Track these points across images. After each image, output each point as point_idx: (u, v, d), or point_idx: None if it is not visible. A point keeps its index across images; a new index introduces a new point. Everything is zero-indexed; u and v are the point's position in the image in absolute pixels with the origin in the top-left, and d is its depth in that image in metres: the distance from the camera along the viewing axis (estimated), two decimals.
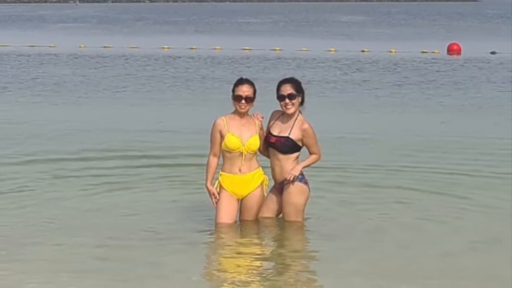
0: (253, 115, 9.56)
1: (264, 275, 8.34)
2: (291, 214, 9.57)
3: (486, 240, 9.34)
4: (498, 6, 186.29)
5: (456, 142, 15.43)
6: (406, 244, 9.22)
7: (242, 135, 9.42)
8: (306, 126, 9.49)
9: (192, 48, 43.33)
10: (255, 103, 9.51)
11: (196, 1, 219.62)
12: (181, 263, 8.53)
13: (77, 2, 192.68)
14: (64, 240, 9.24)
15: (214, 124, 9.51)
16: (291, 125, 9.49)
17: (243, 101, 9.42)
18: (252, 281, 8.16)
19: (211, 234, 9.47)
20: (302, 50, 42.15)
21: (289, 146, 9.47)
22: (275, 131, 9.49)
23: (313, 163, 9.66)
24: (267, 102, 9.93)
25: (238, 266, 8.61)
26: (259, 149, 9.52)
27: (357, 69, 31.31)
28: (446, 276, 8.12)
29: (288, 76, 9.94)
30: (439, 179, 12.20)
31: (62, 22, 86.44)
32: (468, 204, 10.82)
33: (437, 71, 30.39)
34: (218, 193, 9.52)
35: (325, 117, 16.23)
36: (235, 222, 9.58)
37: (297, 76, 10.48)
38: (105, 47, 44.71)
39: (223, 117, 9.53)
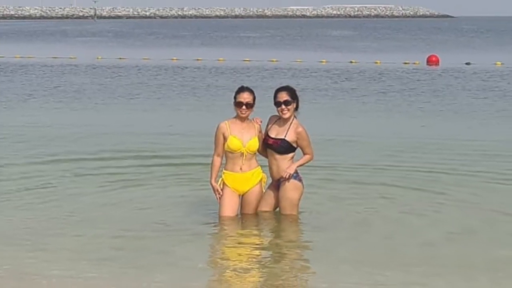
0: (253, 119, 9.54)
1: (263, 262, 8.31)
2: (287, 208, 9.54)
3: (461, 231, 9.31)
4: (472, 22, 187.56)
5: (435, 143, 15.40)
6: (390, 235, 9.18)
7: (243, 138, 9.39)
8: (300, 129, 9.46)
9: (198, 59, 43.37)
10: (254, 108, 9.49)
11: (202, 17, 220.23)
12: (188, 252, 8.49)
13: (95, 18, 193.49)
14: (84, 232, 9.20)
15: (217, 128, 9.47)
16: (287, 128, 9.45)
17: (244, 107, 9.39)
18: (252, 268, 8.13)
19: (215, 226, 9.44)
20: (297, 61, 42.22)
21: (285, 147, 9.44)
22: (272, 134, 9.47)
23: (306, 162, 9.64)
24: (265, 107, 9.92)
25: (239, 254, 8.57)
26: (258, 150, 9.50)
27: (346, 78, 31.31)
28: (425, 264, 8.07)
29: (284, 84, 9.91)
30: (419, 176, 12.16)
31: (81, 36, 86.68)
32: (445, 199, 10.78)
33: (418, 80, 30.40)
34: (222, 189, 9.50)
35: (317, 121, 16.19)
36: (237, 215, 9.55)
37: (292, 84, 10.44)
38: (120, 58, 44.78)
39: (226, 121, 9.50)
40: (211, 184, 9.53)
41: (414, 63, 39.68)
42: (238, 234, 9.14)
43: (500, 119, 19.51)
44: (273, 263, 8.26)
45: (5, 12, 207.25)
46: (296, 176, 9.50)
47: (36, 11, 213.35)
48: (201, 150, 13.09)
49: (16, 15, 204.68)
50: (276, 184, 9.58)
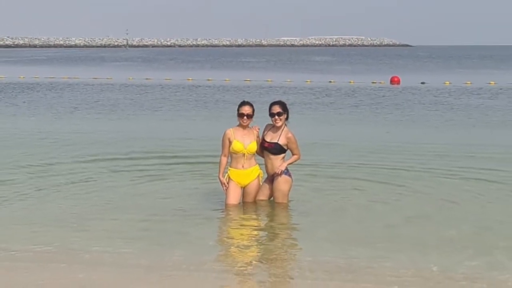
0: (252, 127, 9.55)
1: (260, 240, 8.32)
2: (279, 198, 9.56)
3: (417, 215, 9.31)
4: (426, 50, 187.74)
5: (397, 146, 15.43)
6: (360, 219, 9.17)
7: (244, 142, 9.41)
8: (290, 135, 9.49)
9: (208, 80, 43.38)
10: (253, 118, 9.52)
11: (212, 46, 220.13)
12: (201, 232, 8.49)
13: (127, 47, 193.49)
14: (118, 216, 9.21)
15: (224, 134, 9.49)
16: (279, 134, 9.47)
17: (245, 118, 9.41)
18: (251, 245, 8.14)
19: (222, 212, 9.43)
20: (287, 81, 42.25)
21: (278, 149, 9.46)
22: (267, 138, 9.48)
23: (295, 161, 9.67)
24: (262, 117, 9.91)
25: (241, 234, 8.57)
26: (256, 151, 9.52)
27: (326, 95, 31.32)
28: (388, 241, 8.07)
29: (277, 99, 9.95)
30: (384, 172, 12.17)
31: (116, 61, 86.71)
32: (404, 190, 10.79)
33: (383, 96, 30.42)
34: (227, 183, 9.52)
35: (304, 129, 16.19)
36: (239, 203, 9.57)
37: (283, 99, 10.49)
38: (147, 79, 44.80)
39: (231, 129, 9.51)
40: (219, 178, 9.56)
41: (380, 83, 39.71)
42: (240, 218, 9.14)
43: (448, 127, 19.52)
44: (268, 241, 8.26)
45: (56, 42, 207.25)
46: (286, 172, 9.53)
47: (80, 41, 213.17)
48: (211, 151, 13.09)
49: (65, 44, 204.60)
50: (271, 178, 9.60)
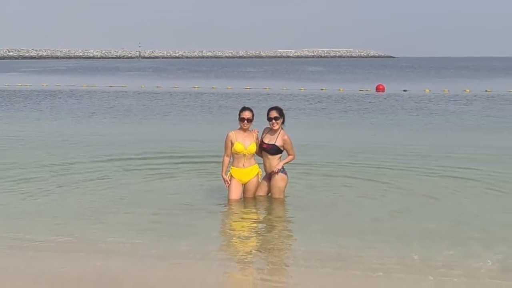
0: (252, 130, 9.55)
1: (259, 232, 8.32)
2: (276, 193, 9.55)
3: (401, 210, 9.29)
4: (408, 61, 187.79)
5: (382, 147, 15.41)
6: (350, 212, 9.16)
7: (245, 143, 9.40)
8: (286, 137, 9.48)
9: (213, 88, 43.40)
10: (253, 122, 9.51)
11: (216, 57, 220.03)
12: (206, 224, 8.48)
13: (140, 58, 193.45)
14: (131, 210, 9.21)
15: (227, 136, 9.48)
16: (276, 136, 9.47)
17: (245, 122, 9.41)
18: (251, 235, 8.15)
19: (225, 206, 9.42)
20: (283, 89, 42.25)
21: (275, 150, 9.45)
22: (266, 140, 9.48)
23: (290, 161, 9.66)
24: (261, 121, 9.90)
25: (242, 226, 8.56)
26: (256, 152, 9.51)
27: (318, 101, 31.32)
28: (375, 233, 8.07)
29: (274, 105, 9.93)
30: (371, 171, 12.16)
31: (129, 71, 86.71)
32: (389, 187, 10.78)
33: (369, 102, 30.42)
34: (229, 180, 9.51)
35: (298, 132, 16.21)
36: (240, 198, 9.56)
37: (280, 105, 10.47)
38: (157, 87, 44.79)
39: (233, 131, 9.50)
40: (222, 176, 9.55)
41: (366, 90, 39.72)
42: (241, 212, 9.13)
43: (428, 130, 19.52)
44: (266, 233, 8.25)
45: (75, 54, 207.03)
46: (283, 170, 9.52)
47: (97, 53, 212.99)
48: (214, 152, 13.10)
49: (84, 56, 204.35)
50: (269, 176, 9.59)
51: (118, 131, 19.10)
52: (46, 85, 46.16)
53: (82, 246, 7.53)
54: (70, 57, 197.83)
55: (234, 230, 8.48)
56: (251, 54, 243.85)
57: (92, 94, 36.80)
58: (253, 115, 9.48)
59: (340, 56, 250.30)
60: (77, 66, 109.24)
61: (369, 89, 40.10)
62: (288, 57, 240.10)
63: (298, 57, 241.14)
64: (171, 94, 36.90)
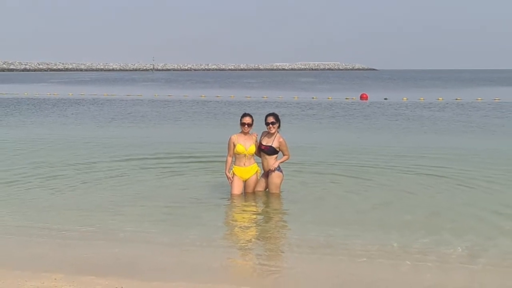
0: (252, 133, 9.55)
1: (257, 222, 8.30)
2: (273, 189, 9.55)
3: (382, 203, 9.28)
4: (389, 73, 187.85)
5: (366, 148, 15.41)
6: (337, 206, 9.15)
7: (246, 145, 9.40)
8: (281, 139, 9.48)
9: (217, 96, 43.37)
10: (253, 126, 9.51)
11: (220, 70, 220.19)
12: (211, 216, 8.47)
13: (154, 70, 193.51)
14: (146, 203, 9.19)
15: (229, 139, 9.48)
16: (273, 139, 9.47)
17: (246, 126, 9.41)
18: (251, 226, 8.13)
19: (228, 200, 9.41)
20: (279, 97, 42.22)
21: (272, 151, 9.45)
22: (264, 142, 9.49)
23: (285, 160, 9.66)
24: (259, 126, 9.91)
25: (243, 217, 8.54)
26: (255, 153, 9.51)
27: (309, 108, 31.30)
28: (359, 224, 8.06)
29: (271, 111, 9.94)
30: (356, 169, 12.15)
31: (144, 82, 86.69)
32: (372, 183, 10.77)
33: (354, 109, 30.41)
34: (232, 177, 9.50)
35: (292, 135, 16.20)
36: (241, 193, 9.55)
37: (276, 111, 10.49)
38: (169, 95, 44.78)
39: (235, 135, 9.51)
40: (226, 174, 9.55)
41: (352, 98, 39.69)
42: (242, 205, 9.12)
43: (405, 134, 19.50)
44: (264, 223, 8.25)
45: (97, 66, 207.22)
46: (279, 169, 9.53)
47: (116, 65, 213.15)
48: (219, 152, 13.10)
49: (104, 68, 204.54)
50: (266, 174, 9.59)
51: (135, 134, 19.08)
52: (72, 94, 46.17)
53: (102, 235, 7.53)
54: (92, 70, 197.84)
55: (236, 221, 8.47)
56: (251, 67, 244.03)
57: (112, 102, 36.79)
58: (252, 120, 9.48)
59: (329, 69, 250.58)
60: (99, 78, 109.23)
61: (354, 98, 40.09)
62: (283, 69, 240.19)
63: (292, 69, 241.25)
64: (181, 102, 36.89)
